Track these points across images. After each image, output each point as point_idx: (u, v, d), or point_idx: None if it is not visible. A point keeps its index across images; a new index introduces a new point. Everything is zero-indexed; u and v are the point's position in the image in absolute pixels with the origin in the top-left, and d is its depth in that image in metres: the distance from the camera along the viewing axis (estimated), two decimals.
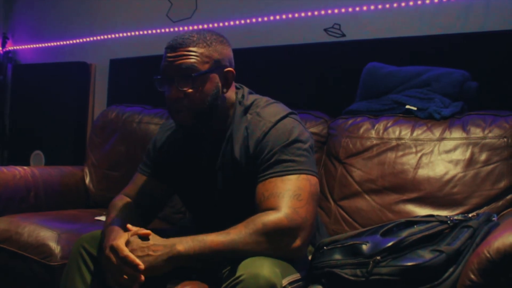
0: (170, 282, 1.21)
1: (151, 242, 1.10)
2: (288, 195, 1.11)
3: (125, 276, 1.08)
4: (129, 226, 1.17)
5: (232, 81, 1.26)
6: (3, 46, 3.51)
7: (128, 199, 1.38)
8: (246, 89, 1.34)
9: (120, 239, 1.12)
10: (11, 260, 1.65)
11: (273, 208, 1.10)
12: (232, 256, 1.06)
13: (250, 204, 1.17)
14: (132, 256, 1.08)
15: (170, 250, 1.08)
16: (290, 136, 1.18)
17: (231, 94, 1.28)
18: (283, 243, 1.08)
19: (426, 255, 1.01)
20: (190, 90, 1.19)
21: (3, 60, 3.51)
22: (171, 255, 1.07)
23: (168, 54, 1.21)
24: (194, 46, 1.19)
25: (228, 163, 1.25)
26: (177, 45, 1.20)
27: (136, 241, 1.11)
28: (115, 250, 1.10)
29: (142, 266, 1.07)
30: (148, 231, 1.13)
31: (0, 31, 3.54)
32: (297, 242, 1.09)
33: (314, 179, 1.17)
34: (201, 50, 1.19)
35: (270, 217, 1.08)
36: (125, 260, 1.08)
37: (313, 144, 1.25)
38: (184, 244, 1.08)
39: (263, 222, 1.07)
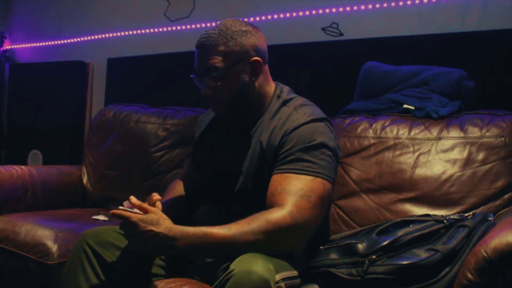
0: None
1: (161, 220, 1.09)
2: (298, 194, 1.13)
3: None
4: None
5: (260, 69, 1.29)
6: (0, 45, 3.51)
7: (180, 183, 1.46)
8: (286, 87, 1.38)
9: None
10: (8, 260, 1.64)
11: (280, 204, 1.12)
12: (231, 251, 1.06)
13: (264, 192, 1.19)
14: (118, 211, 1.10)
15: (173, 235, 1.07)
16: (317, 139, 1.20)
17: (267, 85, 1.32)
18: (283, 240, 1.10)
19: (422, 254, 1.01)
20: (216, 85, 1.26)
21: (0, 59, 3.50)
22: (171, 240, 1.06)
23: (196, 54, 1.28)
24: (213, 45, 1.24)
25: (252, 146, 1.28)
26: (199, 45, 1.27)
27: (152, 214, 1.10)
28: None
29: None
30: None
31: None
32: (296, 241, 1.11)
33: (328, 185, 1.19)
34: (220, 48, 1.24)
35: (275, 215, 1.09)
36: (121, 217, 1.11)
37: (338, 154, 1.27)
38: (184, 234, 1.08)
39: (267, 219, 1.09)
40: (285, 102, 1.30)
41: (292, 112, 1.26)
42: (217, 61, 1.24)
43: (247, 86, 1.27)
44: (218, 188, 1.38)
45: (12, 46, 3.54)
